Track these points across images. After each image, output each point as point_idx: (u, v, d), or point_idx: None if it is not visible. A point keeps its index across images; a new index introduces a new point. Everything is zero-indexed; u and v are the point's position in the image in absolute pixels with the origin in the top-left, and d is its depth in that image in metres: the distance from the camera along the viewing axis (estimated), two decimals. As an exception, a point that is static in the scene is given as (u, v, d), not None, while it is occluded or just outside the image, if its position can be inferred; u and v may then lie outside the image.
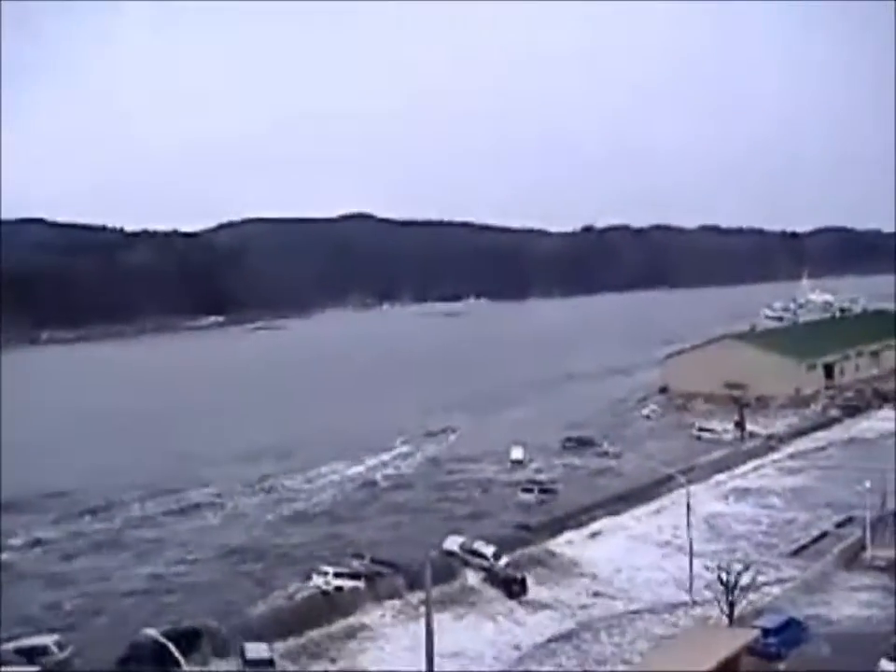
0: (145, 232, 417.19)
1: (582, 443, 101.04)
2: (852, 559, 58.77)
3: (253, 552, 68.62)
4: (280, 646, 49.09)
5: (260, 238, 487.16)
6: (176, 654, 40.84)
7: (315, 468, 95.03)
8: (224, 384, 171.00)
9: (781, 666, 42.88)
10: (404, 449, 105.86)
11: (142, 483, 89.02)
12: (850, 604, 52.02)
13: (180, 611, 54.88)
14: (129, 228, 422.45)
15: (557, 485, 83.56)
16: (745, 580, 47.36)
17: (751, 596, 49.07)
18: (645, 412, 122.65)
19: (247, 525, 76.76)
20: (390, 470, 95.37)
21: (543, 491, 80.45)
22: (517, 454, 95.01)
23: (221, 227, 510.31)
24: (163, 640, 43.27)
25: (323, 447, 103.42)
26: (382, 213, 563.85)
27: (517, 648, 50.93)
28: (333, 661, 49.31)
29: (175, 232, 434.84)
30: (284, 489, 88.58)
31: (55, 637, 48.74)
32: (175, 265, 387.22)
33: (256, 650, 46.32)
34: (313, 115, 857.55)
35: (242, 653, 46.42)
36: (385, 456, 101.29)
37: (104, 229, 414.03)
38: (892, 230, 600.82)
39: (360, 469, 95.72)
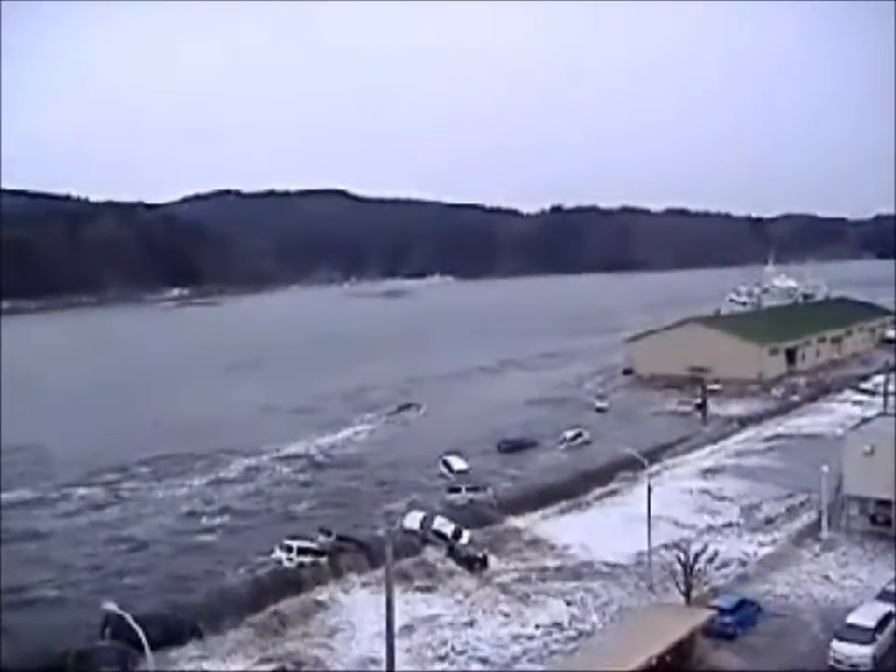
0: (109, 203, 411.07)
1: (523, 445, 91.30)
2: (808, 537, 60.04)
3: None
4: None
5: (230, 211, 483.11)
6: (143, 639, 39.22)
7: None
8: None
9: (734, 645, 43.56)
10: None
11: None
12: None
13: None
14: (93, 198, 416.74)
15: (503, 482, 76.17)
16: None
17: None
18: (601, 404, 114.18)
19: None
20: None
21: (472, 489, 71.53)
22: (459, 464, 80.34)
23: (186, 199, 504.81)
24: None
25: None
26: (355, 189, 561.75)
27: None
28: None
29: (141, 204, 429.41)
30: None
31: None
32: (141, 237, 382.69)
33: None
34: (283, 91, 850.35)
35: None
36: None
37: (67, 198, 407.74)
38: (855, 217, 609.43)
39: None
